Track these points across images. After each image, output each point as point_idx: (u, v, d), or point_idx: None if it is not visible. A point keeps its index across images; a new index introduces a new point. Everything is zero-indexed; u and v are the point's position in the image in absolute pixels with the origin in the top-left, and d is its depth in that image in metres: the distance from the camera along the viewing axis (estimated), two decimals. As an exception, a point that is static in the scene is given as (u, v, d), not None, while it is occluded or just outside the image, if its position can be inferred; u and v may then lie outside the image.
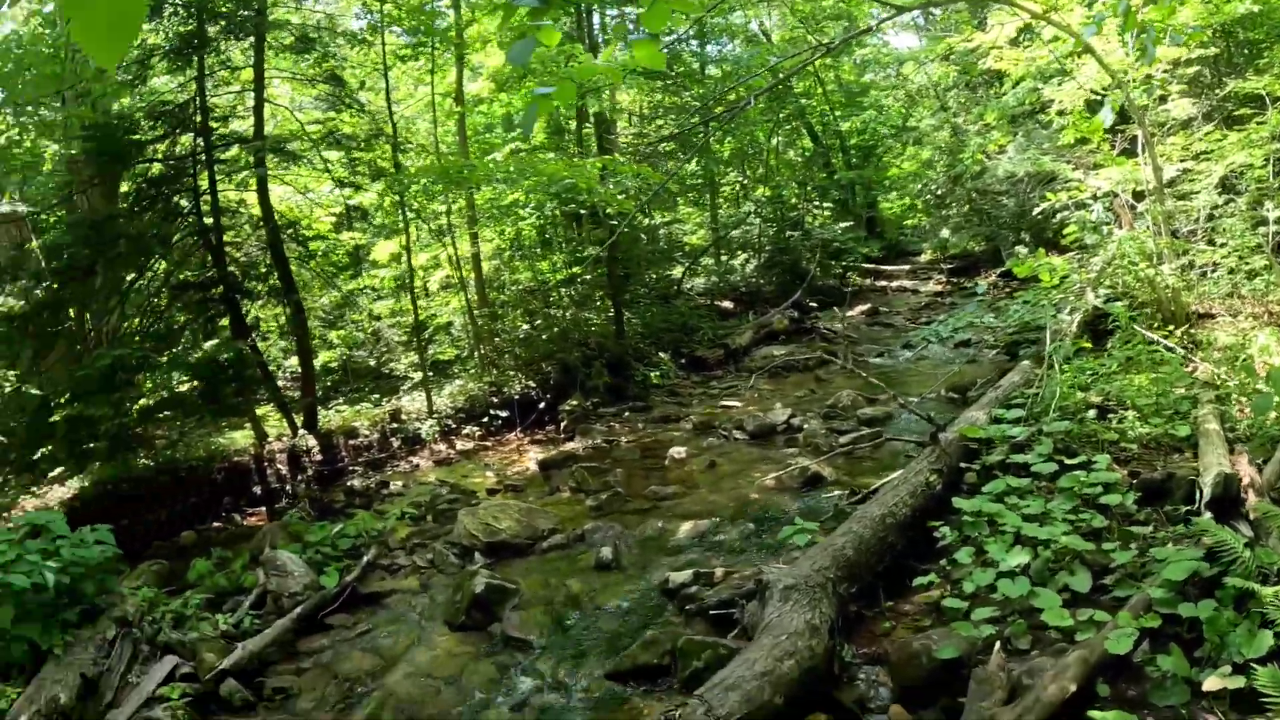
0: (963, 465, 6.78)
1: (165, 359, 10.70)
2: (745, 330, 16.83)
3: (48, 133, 12.86)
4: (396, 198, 12.74)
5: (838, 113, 25.51)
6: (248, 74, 11.81)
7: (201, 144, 10.96)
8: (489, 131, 18.47)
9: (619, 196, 12.81)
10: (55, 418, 10.07)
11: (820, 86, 24.66)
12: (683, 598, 6.06)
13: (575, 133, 17.38)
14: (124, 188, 12.17)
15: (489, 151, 15.10)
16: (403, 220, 13.07)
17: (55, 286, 10.91)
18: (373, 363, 14.59)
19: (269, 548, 7.74)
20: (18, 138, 13.15)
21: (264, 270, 11.93)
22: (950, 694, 4.34)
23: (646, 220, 17.52)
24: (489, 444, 12.24)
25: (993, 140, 18.20)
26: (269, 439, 11.47)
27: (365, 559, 7.63)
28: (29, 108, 12.27)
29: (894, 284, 22.56)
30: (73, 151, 12.52)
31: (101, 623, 6.13)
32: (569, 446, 11.48)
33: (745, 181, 23.71)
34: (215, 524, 10.30)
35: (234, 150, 11.78)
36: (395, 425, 12.21)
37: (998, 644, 4.39)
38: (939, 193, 23.76)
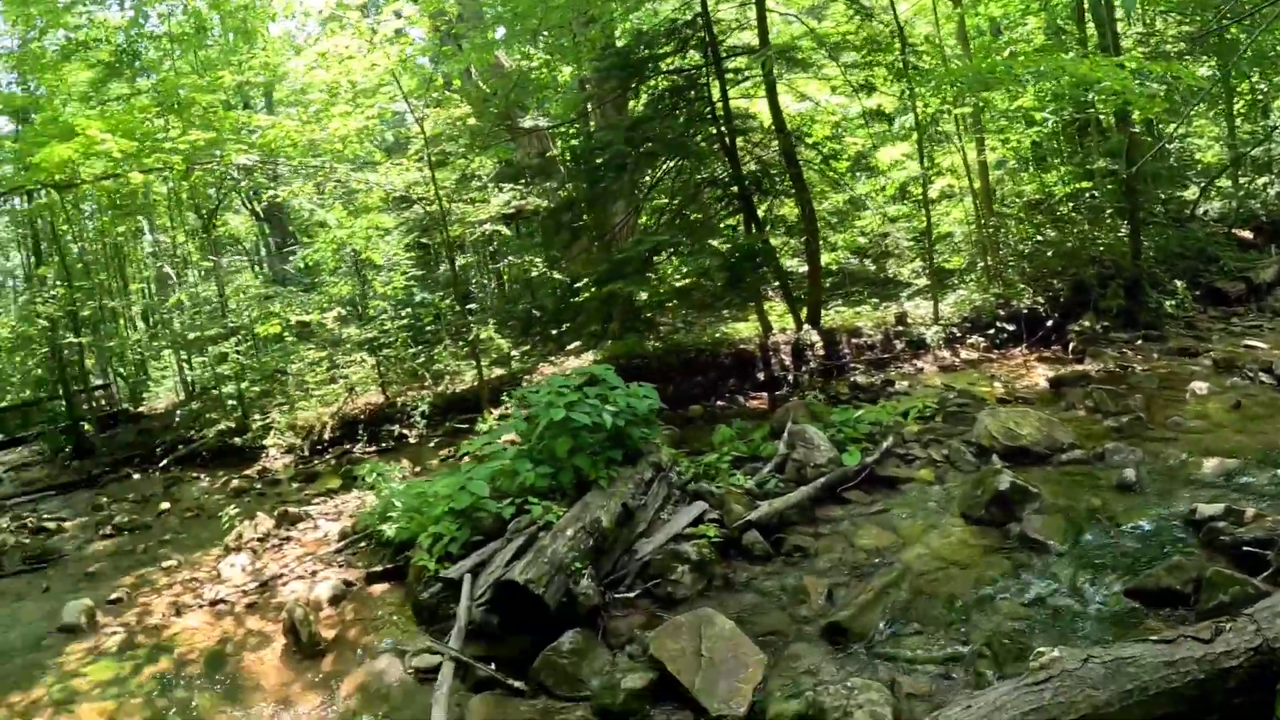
0: None
1: (692, 249, 11.47)
2: (1270, 265, 14.49)
3: (562, 56, 14.29)
4: (908, 102, 12.36)
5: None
6: (747, -12, 11.99)
7: (709, 56, 11.42)
8: (980, 35, 17.11)
9: (1144, 100, 11.12)
10: (578, 299, 11.39)
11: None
12: (1209, 530, 5.68)
13: (1078, 33, 15.44)
14: (630, 103, 13.07)
15: (988, 55, 13.94)
16: (915, 124, 12.68)
17: (583, 185, 12.14)
18: (871, 267, 14.46)
19: (792, 422, 8.05)
20: (546, 60, 14.85)
21: (776, 172, 12.24)
22: None
23: (1169, 129, 15.11)
24: (993, 356, 11.80)
25: None
26: (773, 331, 11.91)
27: (884, 445, 7.74)
28: (543, 36, 13.68)
29: None
30: (584, 72, 13.79)
31: (641, 465, 6.76)
32: (1079, 367, 10.83)
33: (1265, 90, 19.42)
34: (719, 402, 11.10)
35: (740, 60, 12.13)
36: (900, 329, 12.14)
37: None
38: None
